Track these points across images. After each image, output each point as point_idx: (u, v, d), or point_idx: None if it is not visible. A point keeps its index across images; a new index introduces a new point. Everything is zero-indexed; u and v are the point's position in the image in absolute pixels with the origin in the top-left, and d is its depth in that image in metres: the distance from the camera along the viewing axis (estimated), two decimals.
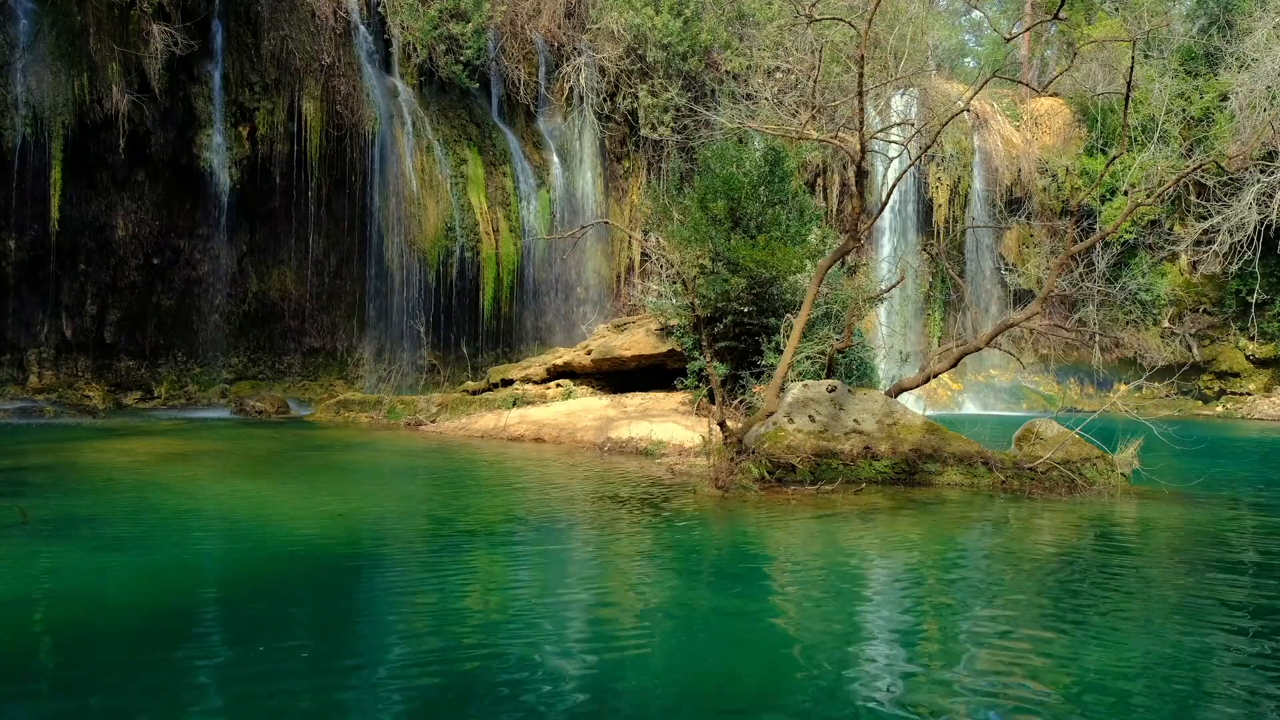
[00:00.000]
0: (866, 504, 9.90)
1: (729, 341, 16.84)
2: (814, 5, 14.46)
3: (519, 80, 26.55)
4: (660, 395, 18.30)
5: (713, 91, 26.94)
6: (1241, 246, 25.41)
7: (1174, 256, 29.28)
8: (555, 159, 26.89)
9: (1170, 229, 29.04)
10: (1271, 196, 24.71)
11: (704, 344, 12.59)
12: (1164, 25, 28.18)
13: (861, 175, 12.33)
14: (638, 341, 18.92)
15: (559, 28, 27.02)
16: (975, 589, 6.69)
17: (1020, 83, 31.07)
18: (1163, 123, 27.33)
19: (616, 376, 19.63)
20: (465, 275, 24.93)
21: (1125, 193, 25.91)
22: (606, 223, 24.66)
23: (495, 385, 20.80)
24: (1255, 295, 27.76)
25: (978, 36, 47.81)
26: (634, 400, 18.23)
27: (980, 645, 5.29)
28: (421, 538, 8.16)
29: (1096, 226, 26.68)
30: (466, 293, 25.08)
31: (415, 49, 25.01)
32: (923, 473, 11.23)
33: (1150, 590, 6.70)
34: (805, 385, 12.05)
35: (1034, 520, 9.39)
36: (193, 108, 22.02)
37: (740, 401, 15.93)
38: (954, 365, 13.57)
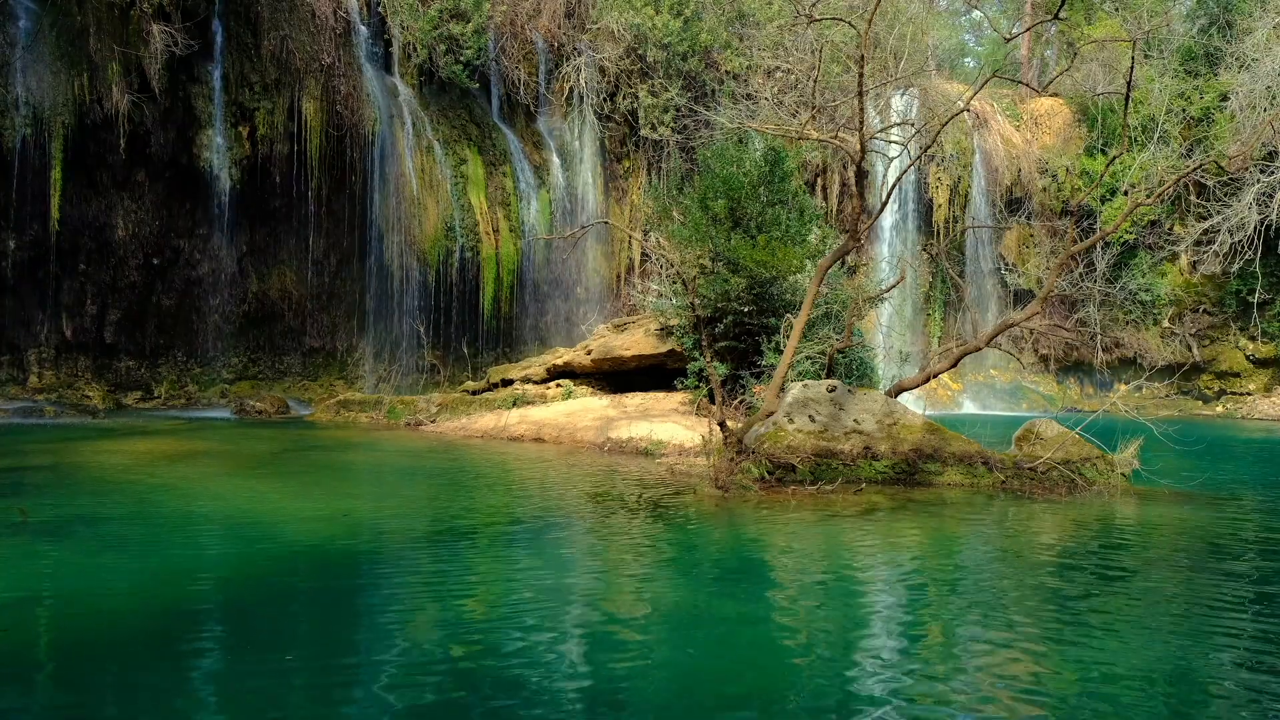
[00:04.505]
0: (866, 504, 9.90)
1: (729, 341, 16.84)
2: (814, 5, 14.46)
3: (519, 80, 26.54)
4: (660, 395, 18.29)
5: (713, 91, 26.93)
6: (1242, 246, 25.38)
7: (1174, 256, 29.27)
8: (555, 159, 26.89)
9: (1170, 229, 29.02)
10: (1271, 196, 24.69)
11: (704, 344, 12.58)
12: (1164, 25, 28.14)
13: (861, 175, 12.33)
14: (638, 341, 18.91)
15: (559, 28, 27.01)
16: (975, 589, 6.69)
17: (1020, 83, 31.05)
18: (1163, 123, 27.31)
19: (616, 376, 19.62)
20: (465, 275, 24.92)
21: (1125, 193, 25.90)
22: (606, 223, 24.66)
23: (495, 385, 20.80)
24: (1256, 295, 27.74)
25: (978, 36, 47.82)
26: (634, 400, 18.22)
27: (980, 645, 5.29)
28: (422, 538, 8.16)
29: (1096, 226, 26.66)
30: (466, 293, 25.07)
31: (415, 49, 25.00)
32: (923, 473, 11.23)
33: (1150, 590, 6.70)
34: (805, 385, 12.05)
35: (1034, 520, 9.39)
36: (193, 108, 22.01)
37: (740, 401, 15.93)
38: (954, 365, 13.57)
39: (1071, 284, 23.12)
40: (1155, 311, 29.53)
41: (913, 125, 21.50)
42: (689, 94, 26.81)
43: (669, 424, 15.48)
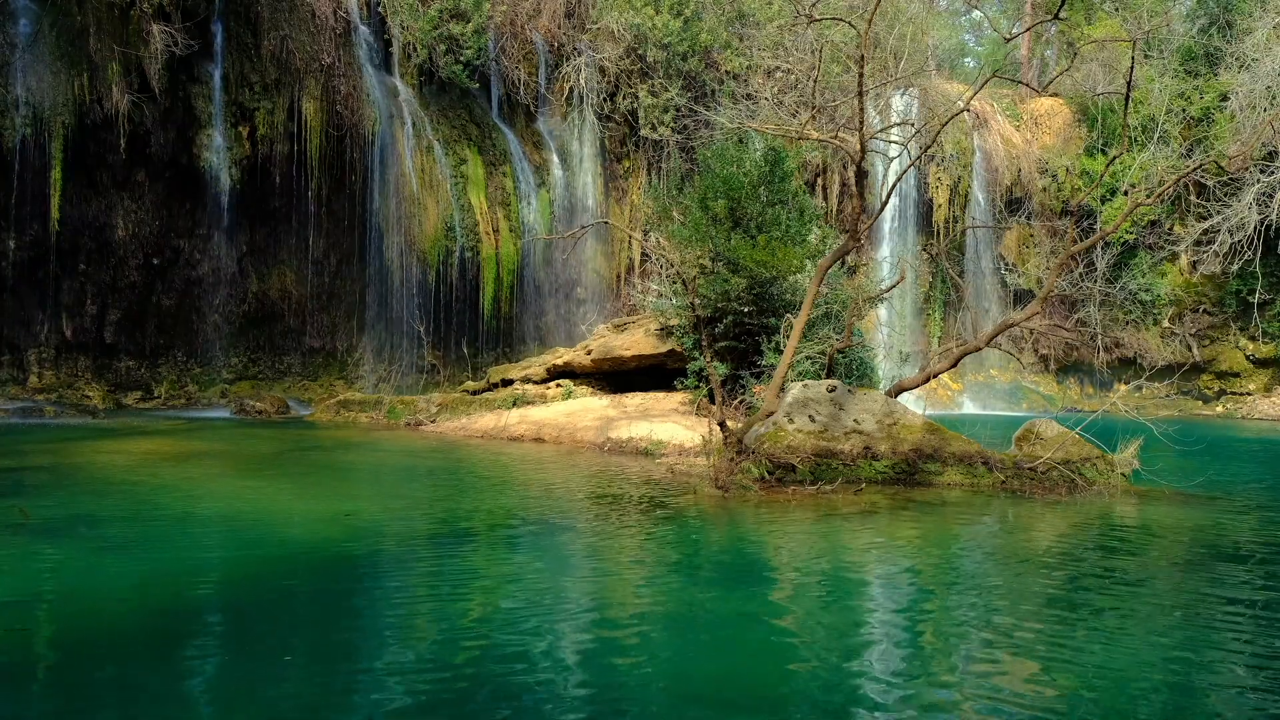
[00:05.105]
0: (866, 504, 9.90)
1: (729, 341, 16.84)
2: (814, 5, 14.46)
3: (519, 80, 26.54)
4: (660, 395, 18.29)
5: (713, 91, 26.93)
6: (1241, 246, 25.38)
7: (1174, 256, 29.26)
8: (555, 159, 26.89)
9: (1170, 229, 29.02)
10: (1271, 196, 24.69)
11: (704, 344, 12.59)
12: (1164, 25, 28.13)
13: (861, 175, 12.33)
14: (638, 341, 18.91)
15: (559, 28, 27.00)
16: (975, 589, 6.69)
17: (1020, 83, 31.05)
18: (1163, 123, 27.30)
19: (616, 376, 19.62)
20: (465, 275, 24.92)
21: (1125, 193, 25.89)
22: (606, 223, 24.65)
23: (495, 385, 20.79)
24: (1256, 295, 27.74)
25: (978, 36, 47.82)
26: (634, 400, 18.22)
27: (980, 645, 5.29)
28: (422, 538, 8.16)
29: (1096, 226, 26.66)
30: (466, 293, 25.07)
31: (415, 49, 25.00)
32: (923, 473, 11.23)
33: (1150, 591, 6.70)
34: (805, 385, 12.05)
35: (1034, 520, 9.39)
36: (193, 108, 22.01)
37: (740, 401, 15.93)
38: (954, 365, 13.58)
39: (1071, 284, 23.13)
40: (1155, 311, 29.52)
41: (913, 125, 21.50)
42: (689, 94, 26.80)
43: (669, 424, 15.48)
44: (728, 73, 27.30)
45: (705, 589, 6.55)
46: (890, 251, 29.40)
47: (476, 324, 25.34)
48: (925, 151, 13.71)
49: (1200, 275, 29.11)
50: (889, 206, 28.50)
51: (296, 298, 24.63)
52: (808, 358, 14.95)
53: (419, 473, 12.86)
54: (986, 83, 13.23)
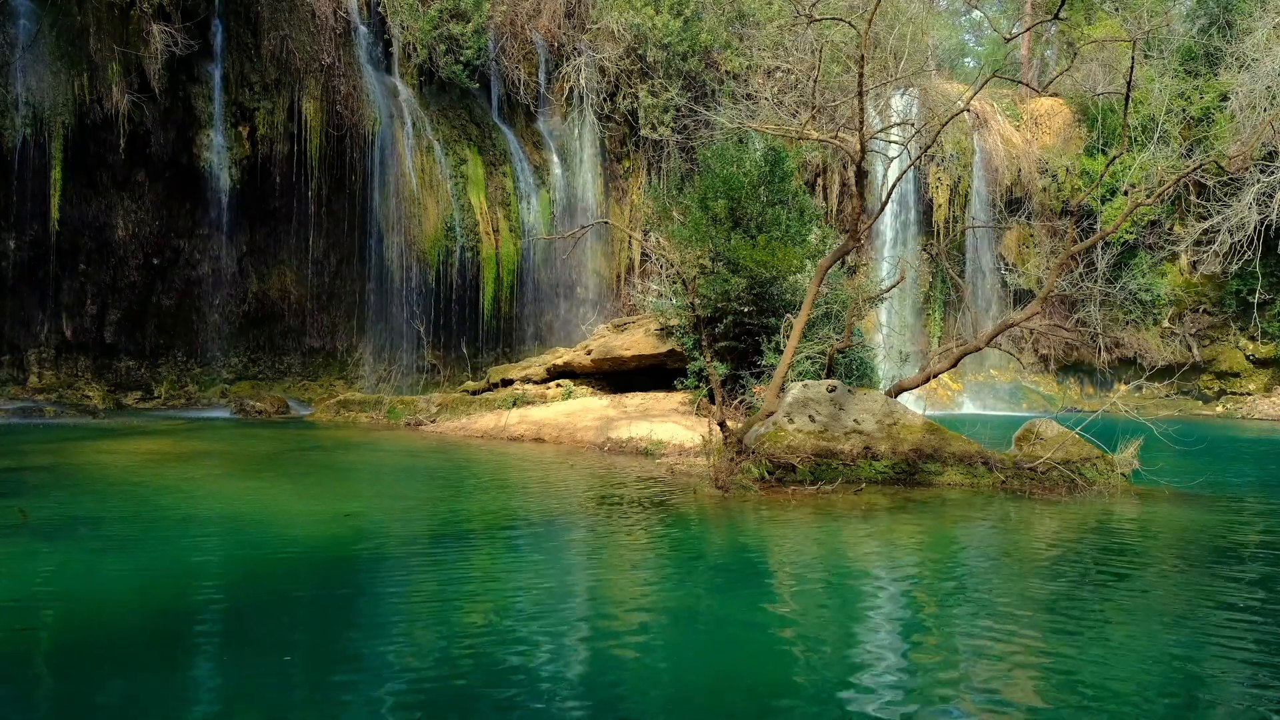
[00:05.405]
0: (866, 504, 9.90)
1: (729, 341, 16.84)
2: (814, 5, 14.46)
3: (519, 80, 26.54)
4: (660, 395, 18.29)
5: (713, 91, 26.93)
6: (1241, 246, 25.38)
7: (1174, 256, 29.26)
8: (555, 159, 26.89)
9: (1170, 229, 29.02)
10: (1271, 196, 24.69)
11: (704, 344, 12.59)
12: (1164, 25, 28.12)
13: (861, 175, 12.33)
14: (638, 341, 18.91)
15: (559, 28, 27.01)
16: (975, 590, 6.69)
17: (1020, 83, 31.04)
18: (1163, 123, 27.30)
19: (616, 376, 19.62)
20: (465, 275, 24.92)
21: (1125, 193, 25.89)
22: (606, 223, 24.65)
23: (495, 385, 20.80)
24: (1256, 295, 27.74)
25: (978, 36, 47.81)
26: (634, 400, 18.22)
27: (980, 646, 5.29)
28: (423, 539, 8.16)
29: (1096, 226, 26.66)
30: (466, 293, 25.07)
31: (415, 49, 25.00)
32: (923, 473, 11.23)
33: (1150, 591, 6.70)
34: (805, 385, 12.05)
35: (1034, 520, 9.39)
36: (193, 108, 22.01)
37: (740, 401, 15.93)
38: (954, 365, 13.58)
39: (1071, 284, 23.14)
40: (1155, 311, 29.52)
41: (913, 125, 21.49)
42: (689, 94, 26.80)
43: (669, 424, 15.48)
44: (728, 73, 27.30)
45: (705, 590, 6.55)
46: (890, 251, 29.40)
47: (476, 324, 25.34)
48: (925, 151, 13.71)
49: (1200, 275, 29.11)
50: (889, 206, 28.49)
51: (296, 298, 24.64)
52: (808, 358, 14.95)
53: (419, 473, 12.86)
54: (986, 83, 13.23)
